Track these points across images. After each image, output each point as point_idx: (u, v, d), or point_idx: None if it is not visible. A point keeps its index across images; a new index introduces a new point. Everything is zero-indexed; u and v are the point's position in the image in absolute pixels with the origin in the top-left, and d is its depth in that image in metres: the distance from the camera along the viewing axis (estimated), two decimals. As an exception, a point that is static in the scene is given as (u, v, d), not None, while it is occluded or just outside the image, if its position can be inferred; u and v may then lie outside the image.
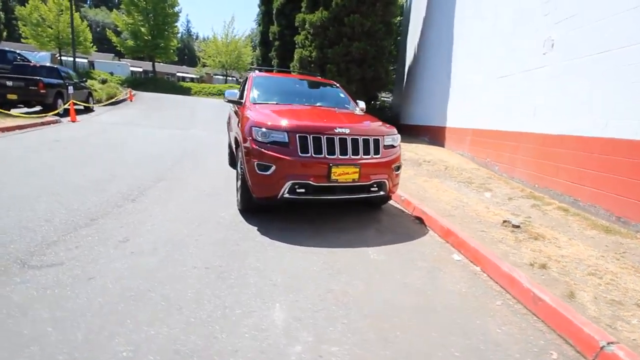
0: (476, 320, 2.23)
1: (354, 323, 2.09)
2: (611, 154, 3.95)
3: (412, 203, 4.40)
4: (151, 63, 32.73)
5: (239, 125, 4.05)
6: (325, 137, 3.38)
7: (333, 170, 3.33)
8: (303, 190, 3.39)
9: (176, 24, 31.72)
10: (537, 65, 5.38)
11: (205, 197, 4.39)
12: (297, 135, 3.35)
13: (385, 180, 3.70)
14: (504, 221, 3.94)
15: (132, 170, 5.33)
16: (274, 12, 16.15)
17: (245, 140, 3.55)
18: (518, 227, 3.82)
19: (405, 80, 14.17)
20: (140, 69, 44.63)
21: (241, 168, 3.70)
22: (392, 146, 3.81)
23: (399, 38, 16.22)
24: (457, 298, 2.49)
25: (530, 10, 5.68)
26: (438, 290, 2.57)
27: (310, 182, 3.35)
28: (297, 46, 13.17)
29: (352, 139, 3.47)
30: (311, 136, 3.36)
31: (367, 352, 1.86)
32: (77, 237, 2.96)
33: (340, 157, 3.40)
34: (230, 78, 42.28)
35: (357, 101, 5.22)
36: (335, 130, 3.43)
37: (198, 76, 45.21)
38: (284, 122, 3.47)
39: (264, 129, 3.42)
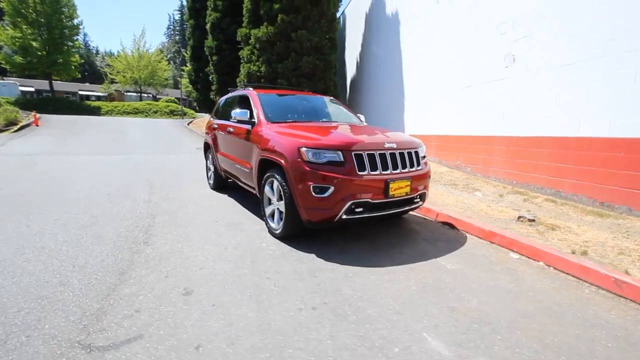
0: (589, 310, 2.41)
1: (510, 338, 2.06)
2: (587, 150, 4.71)
3: (432, 210, 4.58)
4: (47, 81, 28.16)
5: (262, 147, 3.74)
6: (378, 153, 3.32)
7: (390, 185, 3.28)
8: (361, 209, 3.26)
9: (77, 38, 27.98)
10: (501, 77, 6.16)
11: (224, 227, 3.91)
12: (353, 153, 3.23)
13: (425, 191, 3.79)
14: (519, 217, 4.36)
15: (109, 209, 4.47)
16: (207, 25, 15.39)
17: (289, 162, 3.28)
18: (533, 220, 4.26)
19: (348, 92, 14.79)
20: (32, 88, 38.01)
21: (284, 192, 3.37)
22: (424, 157, 3.94)
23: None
24: (554, 294, 2.65)
25: (488, 29, 6.47)
26: (533, 289, 2.70)
27: (369, 200, 3.25)
28: (243, 61, 12.75)
29: (399, 152, 3.48)
30: (366, 153, 3.27)
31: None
32: (124, 298, 2.36)
33: (394, 172, 3.38)
34: (146, 95, 38.77)
35: (358, 114, 5.27)
36: (385, 146, 3.40)
37: (105, 94, 40.40)
38: (336, 141, 3.32)
39: (315, 149, 3.22)
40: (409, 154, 3.58)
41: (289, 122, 4.17)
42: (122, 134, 14.60)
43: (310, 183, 3.15)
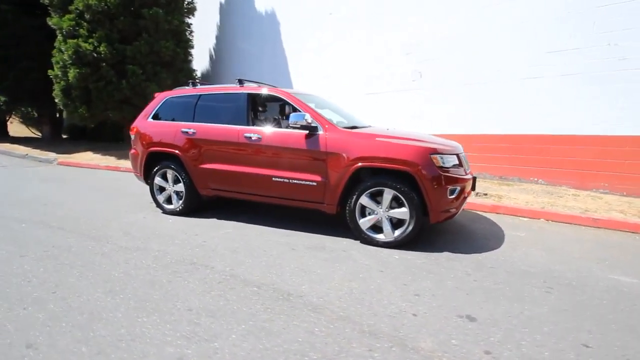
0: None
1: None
2: (482, 143, 6.70)
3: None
4: None
5: (358, 155, 3.24)
6: (463, 154, 3.67)
7: (475, 182, 3.72)
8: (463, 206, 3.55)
9: None
10: (409, 88, 7.52)
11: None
12: (459, 155, 3.45)
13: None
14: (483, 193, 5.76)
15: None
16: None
17: (422, 168, 3.08)
18: (486, 194, 5.76)
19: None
20: None
21: (409, 198, 3.11)
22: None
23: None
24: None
25: (393, 47, 7.66)
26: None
27: (467, 195, 3.58)
28: (61, 34, 8.93)
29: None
30: (462, 155, 3.55)
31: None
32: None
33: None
34: None
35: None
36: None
37: None
38: (449, 146, 3.39)
39: (443, 155, 3.22)
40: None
41: (354, 126, 3.79)
42: None
43: (448, 186, 3.16)
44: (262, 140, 3.66)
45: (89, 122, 10.38)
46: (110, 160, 9.09)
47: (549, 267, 2.96)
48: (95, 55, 8.77)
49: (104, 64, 8.92)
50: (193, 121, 4.11)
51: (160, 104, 4.41)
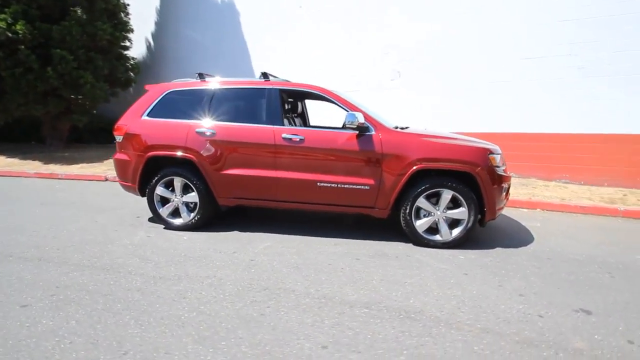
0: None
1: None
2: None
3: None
4: None
5: (418, 156, 3.15)
6: None
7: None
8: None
9: None
10: (388, 87, 7.64)
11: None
12: (501, 155, 3.59)
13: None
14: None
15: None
16: None
17: (482, 168, 3.13)
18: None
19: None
20: None
21: (469, 199, 3.15)
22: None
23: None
24: None
25: (371, 45, 7.68)
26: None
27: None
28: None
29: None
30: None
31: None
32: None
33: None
34: None
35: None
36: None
37: None
38: (495, 145, 3.48)
39: (497, 154, 3.31)
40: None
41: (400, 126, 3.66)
42: None
43: (502, 184, 3.27)
44: (305, 142, 3.30)
45: (1, 119, 8.24)
46: (37, 166, 7.38)
47: (589, 253, 3.26)
48: (9, 35, 6.96)
49: (22, 46, 7.15)
50: (209, 120, 3.52)
51: (159, 98, 3.68)
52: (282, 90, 3.51)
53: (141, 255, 3.01)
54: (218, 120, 3.50)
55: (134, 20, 10.57)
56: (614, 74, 5.71)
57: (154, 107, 3.67)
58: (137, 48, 11.11)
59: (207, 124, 3.49)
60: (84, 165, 7.60)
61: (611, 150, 5.80)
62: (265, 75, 3.62)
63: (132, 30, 9.56)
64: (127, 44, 9.61)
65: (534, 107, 6.32)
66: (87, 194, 5.67)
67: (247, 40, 9.19)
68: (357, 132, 3.25)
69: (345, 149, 3.26)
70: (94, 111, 10.07)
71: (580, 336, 1.97)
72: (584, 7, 5.79)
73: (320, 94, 3.50)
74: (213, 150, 3.44)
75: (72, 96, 7.72)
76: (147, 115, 3.67)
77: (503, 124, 6.52)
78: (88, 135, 10.79)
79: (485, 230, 3.85)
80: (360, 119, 3.14)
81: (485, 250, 3.25)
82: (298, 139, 3.31)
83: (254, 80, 3.62)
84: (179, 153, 3.48)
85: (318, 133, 3.37)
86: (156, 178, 3.58)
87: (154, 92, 3.73)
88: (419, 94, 7.29)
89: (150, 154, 3.55)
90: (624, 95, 5.67)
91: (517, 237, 3.68)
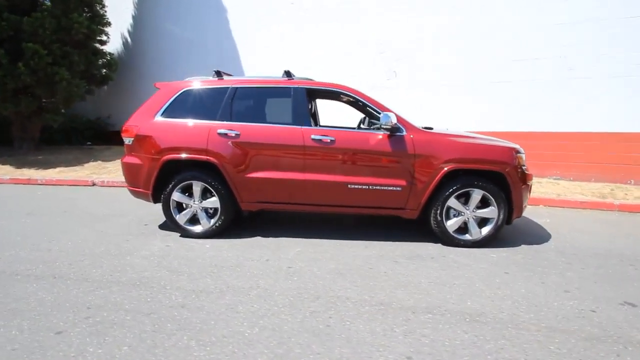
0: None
1: None
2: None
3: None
4: None
5: (449, 157, 3.17)
6: None
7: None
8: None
9: None
10: (384, 86, 7.65)
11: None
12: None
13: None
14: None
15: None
16: None
17: (511, 167, 3.20)
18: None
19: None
20: None
21: (499, 198, 3.20)
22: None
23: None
24: None
25: (366, 44, 7.66)
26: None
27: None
28: None
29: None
30: None
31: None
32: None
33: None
34: None
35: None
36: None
37: None
38: (517, 145, 3.55)
39: (522, 153, 3.39)
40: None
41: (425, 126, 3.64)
42: None
43: (529, 183, 3.37)
44: (336, 143, 3.22)
45: (-38, 119, 7.43)
46: (9, 171, 6.74)
47: (606, 247, 3.43)
48: (-27, 26, 6.28)
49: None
50: (230, 120, 3.34)
51: (174, 97, 3.44)
52: (308, 90, 3.39)
53: (168, 267, 2.80)
54: (241, 121, 3.33)
55: (109, 13, 9.94)
56: (599, 75, 6.08)
57: (168, 106, 3.43)
58: (112, 43, 10.45)
59: (229, 124, 3.31)
60: (63, 169, 7.02)
61: (596, 148, 6.17)
62: (288, 73, 3.49)
63: (109, 24, 8.97)
64: (104, 38, 9.00)
65: (527, 106, 6.59)
66: (75, 200, 5.23)
67: (234, 37, 8.89)
68: (389, 132, 3.21)
69: (378, 150, 3.21)
70: (65, 110, 9.35)
71: (637, 329, 2.04)
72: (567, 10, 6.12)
73: (350, 94, 3.42)
74: (237, 152, 3.27)
75: (47, 94, 7.09)
76: (161, 115, 3.42)
77: (498, 122, 6.75)
78: (59, 136, 10.01)
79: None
80: (394, 119, 3.10)
81: (513, 248, 3.33)
82: (329, 140, 3.21)
83: (278, 79, 3.48)
84: (199, 156, 3.28)
85: (349, 134, 3.30)
86: (173, 182, 3.35)
87: (168, 91, 3.49)
88: (414, 93, 7.38)
89: (167, 157, 3.31)
90: (608, 94, 6.04)
91: (536, 234, 3.80)
